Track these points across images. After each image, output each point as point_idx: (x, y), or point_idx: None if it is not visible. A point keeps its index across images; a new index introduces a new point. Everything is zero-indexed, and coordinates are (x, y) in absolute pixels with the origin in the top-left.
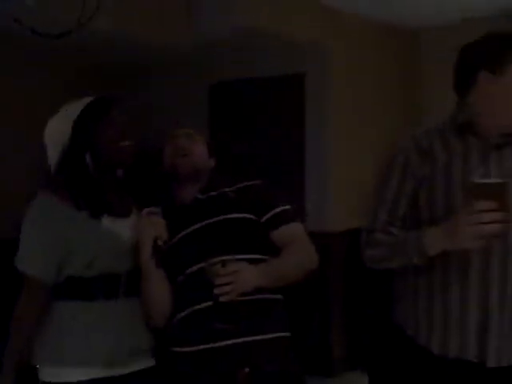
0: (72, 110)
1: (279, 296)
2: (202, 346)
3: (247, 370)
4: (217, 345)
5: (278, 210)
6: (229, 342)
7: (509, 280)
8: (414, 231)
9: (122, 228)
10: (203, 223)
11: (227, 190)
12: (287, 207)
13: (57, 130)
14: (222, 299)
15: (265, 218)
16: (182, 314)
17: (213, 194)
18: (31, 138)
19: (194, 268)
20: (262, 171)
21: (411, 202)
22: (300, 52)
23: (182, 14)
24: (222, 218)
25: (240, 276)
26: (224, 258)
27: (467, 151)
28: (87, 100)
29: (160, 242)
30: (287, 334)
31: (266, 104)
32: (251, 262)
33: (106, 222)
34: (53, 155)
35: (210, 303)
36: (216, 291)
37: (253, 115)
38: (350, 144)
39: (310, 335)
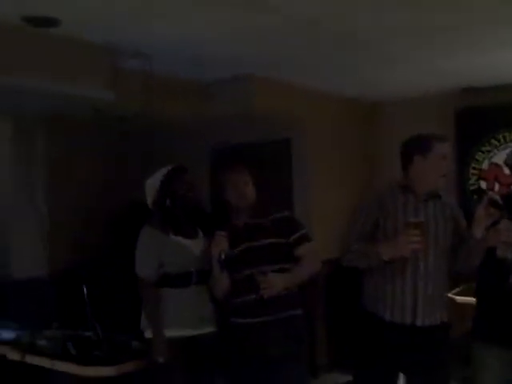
0: (159, 173)
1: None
2: (248, 320)
3: None
4: (255, 320)
5: (301, 232)
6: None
7: (429, 272)
8: (374, 245)
9: (190, 243)
10: (253, 244)
11: (264, 220)
12: (306, 231)
13: (151, 186)
14: (265, 296)
15: (292, 238)
16: (237, 300)
17: (257, 221)
18: None
19: (246, 272)
20: None
21: (372, 229)
22: (285, 123)
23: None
24: (263, 242)
25: (274, 282)
26: (264, 268)
27: (407, 202)
28: (169, 167)
29: (223, 255)
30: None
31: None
32: (280, 270)
33: (181, 239)
34: (149, 201)
35: (254, 296)
36: (261, 291)
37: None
38: (327, 197)
39: None
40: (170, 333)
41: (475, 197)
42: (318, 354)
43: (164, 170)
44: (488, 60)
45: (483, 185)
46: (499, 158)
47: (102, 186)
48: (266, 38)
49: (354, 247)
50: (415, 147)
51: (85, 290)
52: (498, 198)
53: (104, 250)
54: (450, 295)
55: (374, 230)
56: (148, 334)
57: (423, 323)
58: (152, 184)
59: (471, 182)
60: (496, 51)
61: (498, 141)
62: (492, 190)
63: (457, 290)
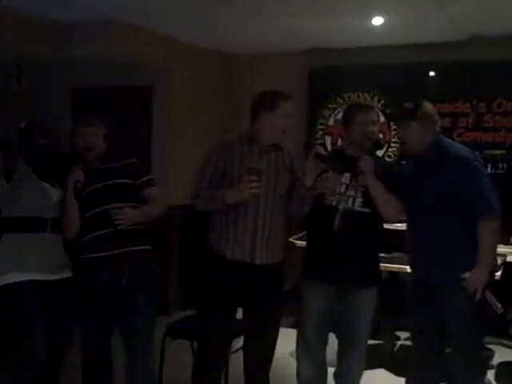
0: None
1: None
2: (101, 254)
3: None
4: (109, 253)
5: (148, 177)
6: (116, 251)
7: (267, 216)
8: (220, 190)
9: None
10: (104, 184)
11: (115, 164)
12: (151, 176)
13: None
14: (119, 227)
15: (139, 182)
16: (89, 236)
17: (107, 165)
18: None
19: (98, 210)
20: None
21: (219, 175)
22: (148, 70)
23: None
24: (113, 181)
25: (129, 214)
26: (114, 205)
27: (251, 152)
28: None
29: (78, 185)
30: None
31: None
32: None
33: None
34: None
35: (110, 230)
36: (116, 222)
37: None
38: (185, 142)
39: None
40: (29, 276)
41: None
42: (170, 292)
43: (23, 124)
44: (339, 23)
45: (328, 140)
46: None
47: None
48: None
49: (202, 193)
50: (262, 103)
51: None
52: (322, 150)
53: None
54: (291, 239)
55: (221, 177)
56: (1, 281)
57: (261, 261)
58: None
59: (317, 136)
60: (347, 15)
61: (343, 99)
62: (335, 144)
63: (299, 235)
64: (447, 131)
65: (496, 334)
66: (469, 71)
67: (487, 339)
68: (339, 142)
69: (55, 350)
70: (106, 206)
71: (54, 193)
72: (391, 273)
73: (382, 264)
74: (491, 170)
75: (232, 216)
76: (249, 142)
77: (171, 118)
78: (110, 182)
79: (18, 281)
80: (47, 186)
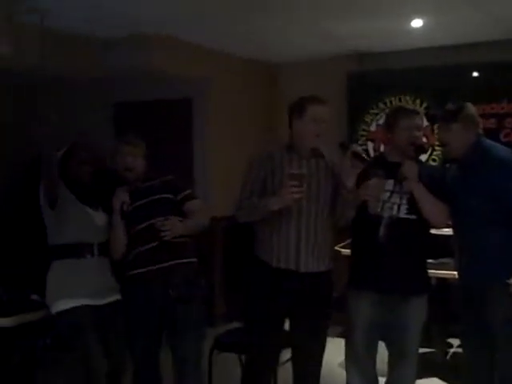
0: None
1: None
2: (148, 268)
3: None
4: (156, 267)
5: (187, 191)
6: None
7: (311, 223)
8: (262, 198)
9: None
10: (146, 200)
11: (154, 182)
12: (191, 191)
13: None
14: (165, 238)
15: (179, 197)
16: (135, 252)
17: (147, 184)
18: None
19: (143, 225)
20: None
21: (262, 185)
22: (187, 83)
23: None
24: (155, 197)
25: (174, 225)
26: (160, 219)
27: (291, 160)
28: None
29: (125, 207)
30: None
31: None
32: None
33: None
34: None
35: (156, 243)
36: (162, 234)
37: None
38: (228, 157)
39: None
40: (81, 302)
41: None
42: (216, 305)
43: (62, 151)
44: (378, 26)
45: (370, 146)
46: None
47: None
48: None
49: (245, 203)
50: (293, 110)
51: None
52: (359, 149)
53: (9, 206)
54: (337, 247)
55: (264, 186)
56: (55, 309)
57: (306, 269)
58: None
59: (360, 142)
60: (385, 18)
61: (385, 104)
62: (378, 150)
63: (344, 243)
64: (493, 132)
65: None
66: None
67: None
68: (382, 148)
69: (113, 374)
70: (152, 221)
71: (98, 217)
72: (440, 279)
73: (430, 270)
74: None
75: (276, 224)
76: (288, 150)
77: (211, 129)
78: (152, 198)
79: (69, 307)
80: (90, 210)
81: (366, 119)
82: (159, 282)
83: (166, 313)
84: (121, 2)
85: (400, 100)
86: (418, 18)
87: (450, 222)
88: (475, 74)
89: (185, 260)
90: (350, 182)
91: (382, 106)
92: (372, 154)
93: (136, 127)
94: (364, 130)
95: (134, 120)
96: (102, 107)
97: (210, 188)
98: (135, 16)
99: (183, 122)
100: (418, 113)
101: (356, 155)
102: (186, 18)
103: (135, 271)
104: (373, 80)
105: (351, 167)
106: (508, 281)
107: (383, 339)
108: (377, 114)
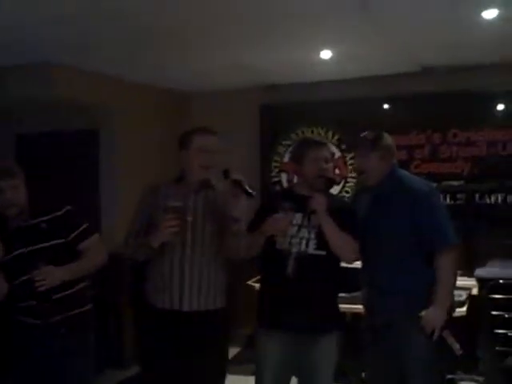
0: None
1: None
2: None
3: None
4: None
5: (83, 227)
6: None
7: (195, 259)
8: (147, 236)
9: None
10: (30, 248)
11: (43, 218)
12: (87, 225)
13: None
14: (40, 289)
15: (72, 236)
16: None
17: (33, 222)
18: None
19: (23, 278)
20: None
21: (149, 219)
22: (93, 113)
23: None
24: (40, 246)
25: (49, 273)
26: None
27: (178, 193)
28: None
29: None
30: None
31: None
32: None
33: None
34: None
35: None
36: (37, 284)
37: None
38: (135, 185)
39: (107, 336)
40: None
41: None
42: (126, 345)
43: None
44: (289, 58)
45: (284, 177)
46: None
47: None
48: (67, 25)
49: (131, 240)
50: (181, 142)
51: None
52: (240, 177)
53: None
54: (250, 282)
55: (151, 221)
56: None
57: (190, 309)
58: None
59: (273, 174)
60: (296, 49)
61: (297, 135)
62: (291, 182)
63: (257, 278)
64: (404, 163)
65: (467, 370)
66: (422, 103)
67: (458, 375)
68: (295, 180)
69: None
70: (30, 276)
71: None
72: (355, 313)
73: (343, 305)
74: (450, 201)
75: (159, 261)
76: (177, 183)
77: (119, 160)
78: (37, 247)
79: None
80: None
81: (279, 150)
82: (44, 336)
83: (48, 366)
84: (18, 29)
85: (312, 132)
86: (327, 49)
87: (359, 257)
88: (386, 106)
89: (71, 312)
90: (236, 213)
91: (294, 137)
92: (285, 185)
93: (39, 159)
94: (276, 162)
95: (36, 152)
96: (4, 138)
97: (117, 221)
98: (32, 43)
99: (89, 152)
100: (324, 143)
101: (236, 183)
102: (92, 46)
103: (19, 318)
104: (285, 111)
105: (233, 196)
106: (420, 314)
107: (296, 375)
108: (289, 146)
